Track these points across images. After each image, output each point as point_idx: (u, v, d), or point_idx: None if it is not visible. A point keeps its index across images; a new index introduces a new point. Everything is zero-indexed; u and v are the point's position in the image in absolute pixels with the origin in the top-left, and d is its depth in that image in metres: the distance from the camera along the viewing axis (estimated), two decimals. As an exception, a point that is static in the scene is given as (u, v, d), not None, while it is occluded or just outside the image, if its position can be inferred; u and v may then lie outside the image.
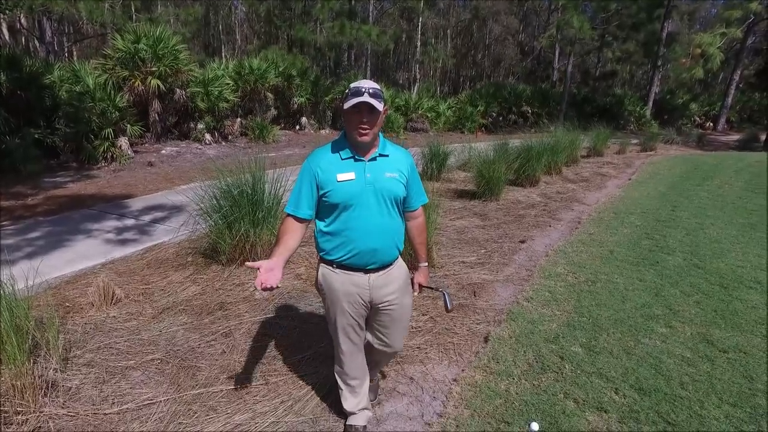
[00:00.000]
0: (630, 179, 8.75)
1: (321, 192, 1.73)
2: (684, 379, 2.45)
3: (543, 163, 7.81)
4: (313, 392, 2.33)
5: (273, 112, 13.73)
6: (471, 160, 7.52)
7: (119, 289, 3.31)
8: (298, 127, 14.72)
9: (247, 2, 27.70)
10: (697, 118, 27.36)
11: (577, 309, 3.24)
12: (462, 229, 5.14)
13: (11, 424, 2.02)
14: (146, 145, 10.01)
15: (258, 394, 2.31)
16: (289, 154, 10.54)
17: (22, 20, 17.05)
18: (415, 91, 23.37)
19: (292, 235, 1.75)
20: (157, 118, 10.06)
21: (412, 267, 2.05)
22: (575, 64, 27.52)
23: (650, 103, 22.92)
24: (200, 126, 11.00)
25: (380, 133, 1.78)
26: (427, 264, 2.08)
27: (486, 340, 2.84)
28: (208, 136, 11.05)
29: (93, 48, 21.28)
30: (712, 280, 3.79)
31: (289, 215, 1.76)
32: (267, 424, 2.10)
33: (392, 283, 1.85)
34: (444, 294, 2.05)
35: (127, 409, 2.19)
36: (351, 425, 2.04)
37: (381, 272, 1.82)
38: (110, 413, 2.16)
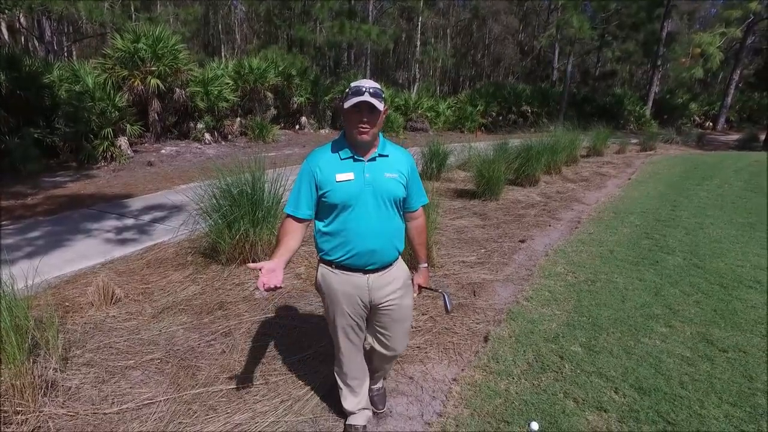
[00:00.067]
0: (630, 179, 8.75)
1: (320, 192, 1.73)
2: (684, 379, 2.45)
3: (543, 162, 7.81)
4: (313, 392, 2.33)
5: (273, 111, 13.73)
6: (471, 160, 7.52)
7: (119, 288, 3.30)
8: (297, 126, 14.72)
9: (247, 2, 27.70)
10: (697, 118, 27.37)
11: (577, 308, 3.24)
12: (462, 229, 5.14)
13: (11, 423, 2.02)
14: (146, 144, 10.01)
15: (258, 394, 2.31)
16: (289, 154, 10.53)
17: (22, 20, 17.02)
18: (414, 90, 23.39)
19: (293, 235, 1.75)
20: (156, 117, 10.05)
21: (412, 268, 2.04)
22: (575, 64, 27.55)
23: (650, 103, 22.93)
24: (200, 125, 11.00)
25: (380, 133, 1.78)
26: (427, 265, 2.07)
27: (486, 339, 2.84)
28: (207, 136, 11.04)
29: (92, 47, 21.28)
30: (712, 280, 3.79)
31: (288, 215, 1.75)
32: (267, 423, 2.10)
33: (392, 284, 1.84)
34: (444, 295, 2.03)
35: (127, 408, 2.19)
36: (351, 425, 2.04)
37: (380, 273, 1.81)
38: (110, 413, 2.16)
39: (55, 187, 6.90)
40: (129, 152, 8.95)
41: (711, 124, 25.63)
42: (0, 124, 7.58)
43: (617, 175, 9.24)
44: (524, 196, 6.86)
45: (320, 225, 1.80)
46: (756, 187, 8.05)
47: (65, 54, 19.29)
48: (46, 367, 2.30)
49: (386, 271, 1.82)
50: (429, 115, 17.91)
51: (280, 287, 1.59)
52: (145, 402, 2.23)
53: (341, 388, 2.04)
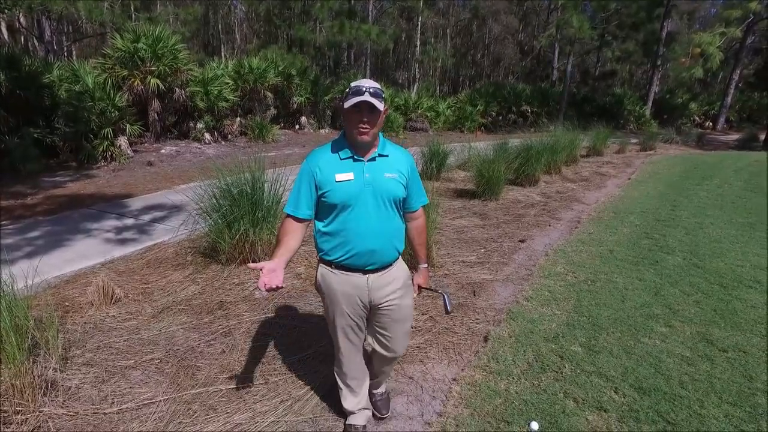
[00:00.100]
0: (629, 179, 8.75)
1: (319, 192, 1.72)
2: (683, 379, 2.45)
3: (542, 162, 7.81)
4: (312, 392, 2.32)
5: (272, 111, 13.72)
6: (470, 160, 7.52)
7: (119, 288, 3.30)
8: (297, 126, 14.71)
9: (247, 2, 27.68)
10: (697, 118, 27.38)
11: (577, 308, 3.24)
12: (461, 229, 5.14)
13: (10, 423, 2.02)
14: (146, 144, 10.01)
15: (258, 394, 2.31)
16: (289, 154, 10.53)
17: (21, 19, 17.02)
18: (414, 90, 23.38)
19: (293, 235, 1.74)
20: (156, 117, 10.05)
21: (412, 268, 2.04)
22: (575, 64, 27.55)
23: (650, 103, 22.93)
24: (200, 125, 10.99)
25: (380, 133, 1.78)
26: (426, 265, 2.07)
27: (486, 339, 2.84)
28: (207, 136, 11.04)
29: (92, 47, 21.27)
30: (712, 280, 3.79)
31: (288, 215, 1.75)
32: (267, 423, 2.10)
33: (391, 284, 1.83)
34: (444, 296, 2.02)
35: (127, 408, 2.19)
36: (351, 425, 2.04)
37: (380, 273, 1.80)
38: (110, 413, 2.16)
39: (54, 186, 6.90)
40: (129, 152, 8.95)
41: (711, 123, 25.64)
42: (0, 123, 7.57)
43: (617, 174, 9.24)
44: (524, 196, 6.86)
45: (320, 225, 1.80)
46: (756, 186, 8.05)
47: (65, 54, 19.28)
48: (45, 367, 2.30)
49: (386, 271, 1.82)
50: (429, 114, 17.91)
51: (282, 287, 1.59)
52: (145, 402, 2.23)
53: (341, 388, 2.04)
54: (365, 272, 1.78)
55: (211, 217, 3.80)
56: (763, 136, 18.05)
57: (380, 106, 1.62)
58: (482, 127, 19.69)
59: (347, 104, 1.61)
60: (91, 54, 17.20)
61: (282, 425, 2.09)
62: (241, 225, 3.64)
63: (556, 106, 22.20)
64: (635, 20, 23.36)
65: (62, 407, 2.17)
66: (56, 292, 3.36)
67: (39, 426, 2.04)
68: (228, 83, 11.60)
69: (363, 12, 21.36)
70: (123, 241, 4.56)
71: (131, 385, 2.36)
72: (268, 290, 1.56)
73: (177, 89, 10.18)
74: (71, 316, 3.01)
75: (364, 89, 1.60)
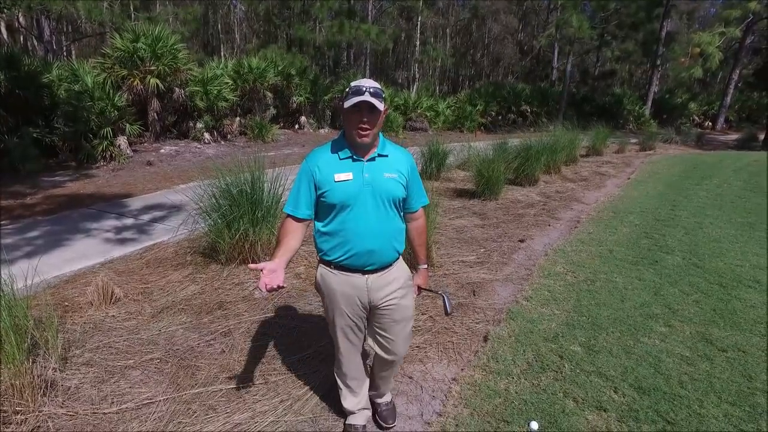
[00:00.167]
0: (629, 178, 8.75)
1: (319, 192, 1.72)
2: (683, 378, 2.45)
3: (542, 162, 7.81)
4: (312, 391, 2.32)
5: (272, 111, 13.72)
6: (470, 160, 7.52)
7: (118, 288, 3.30)
8: (297, 126, 14.71)
9: (246, 1, 27.65)
10: (696, 118, 27.39)
11: (577, 308, 3.24)
12: (461, 228, 5.14)
13: (10, 423, 2.02)
14: (145, 144, 10.00)
15: (257, 394, 2.31)
16: (288, 153, 10.53)
17: (21, 19, 17.00)
18: (414, 90, 23.38)
19: (293, 235, 1.74)
20: (156, 117, 10.04)
21: (411, 268, 2.03)
22: (574, 64, 27.53)
23: (649, 103, 22.93)
24: (199, 125, 10.99)
25: (380, 133, 1.77)
26: (426, 266, 2.06)
27: (485, 339, 2.84)
28: (207, 135, 11.03)
29: (92, 47, 21.25)
30: (711, 279, 3.80)
31: (288, 215, 1.75)
32: (266, 423, 2.10)
33: (391, 284, 1.83)
34: (444, 297, 2.00)
35: (127, 408, 2.19)
36: (350, 424, 2.04)
37: (379, 273, 1.80)
38: (109, 413, 2.15)
39: (54, 186, 6.89)
40: (128, 152, 8.94)
41: (710, 123, 25.65)
42: (-1, 123, 7.58)
43: (616, 174, 9.25)
44: (524, 196, 6.86)
45: (319, 225, 1.79)
46: (755, 186, 8.06)
47: (64, 53, 19.27)
48: (45, 367, 2.30)
49: (385, 271, 1.81)
50: (428, 114, 17.91)
51: (282, 287, 1.59)
52: (145, 402, 2.23)
53: (341, 388, 2.04)
54: (364, 272, 1.78)
55: (211, 216, 3.80)
56: (762, 136, 18.06)
57: (380, 106, 1.61)
58: (482, 127, 19.68)
59: (347, 104, 1.61)
60: (91, 54, 17.19)
61: (282, 425, 2.09)
62: (240, 225, 3.64)
63: (556, 105, 22.20)
64: (635, 20, 23.36)
65: (62, 407, 2.17)
66: (56, 292, 3.35)
67: (38, 426, 2.04)
68: (227, 83, 11.60)
69: (362, 12, 21.35)
70: (122, 241, 4.55)
71: (131, 385, 2.36)
72: (269, 290, 1.56)
73: (176, 89, 10.17)
74: (71, 316, 3.01)
75: (364, 89, 1.60)
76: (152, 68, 9.57)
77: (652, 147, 13.94)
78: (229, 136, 11.73)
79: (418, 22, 27.32)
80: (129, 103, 9.29)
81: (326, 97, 15.33)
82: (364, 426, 2.05)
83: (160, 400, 2.24)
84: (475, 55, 36.93)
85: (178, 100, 10.33)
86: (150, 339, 2.78)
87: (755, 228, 5.38)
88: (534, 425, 2.00)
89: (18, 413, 2.06)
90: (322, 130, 15.12)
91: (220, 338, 2.81)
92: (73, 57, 17.43)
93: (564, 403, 2.25)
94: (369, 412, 2.11)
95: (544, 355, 2.65)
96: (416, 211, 1.93)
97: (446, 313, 2.02)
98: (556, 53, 27.11)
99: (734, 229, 5.29)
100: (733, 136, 20.36)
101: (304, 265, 3.88)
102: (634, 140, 14.71)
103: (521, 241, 4.78)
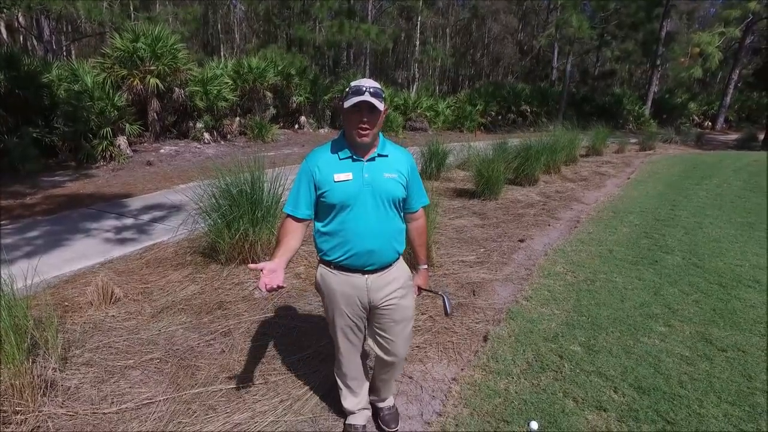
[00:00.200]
0: (629, 178, 8.76)
1: (318, 192, 1.72)
2: (683, 378, 2.45)
3: (542, 162, 7.81)
4: (312, 391, 2.32)
5: (272, 111, 13.72)
6: (470, 159, 7.52)
7: (118, 288, 3.30)
8: (297, 126, 14.71)
9: (246, 1, 27.65)
10: (696, 118, 27.39)
11: (576, 308, 3.24)
12: (461, 228, 5.14)
13: (10, 423, 2.02)
14: (145, 144, 10.00)
15: (257, 394, 2.31)
16: (288, 153, 10.53)
17: (20, 19, 17.00)
18: (414, 90, 23.39)
19: (293, 235, 1.74)
20: (155, 117, 10.04)
21: (411, 268, 2.03)
22: (574, 64, 27.54)
23: (649, 103, 22.94)
24: (199, 125, 10.99)
25: (380, 133, 1.77)
26: (426, 266, 2.06)
27: (485, 339, 2.84)
28: (206, 135, 11.03)
29: (91, 47, 21.24)
30: (711, 279, 3.80)
31: (288, 215, 1.75)
32: (266, 423, 2.10)
33: (391, 284, 1.82)
34: (444, 297, 1.99)
35: (126, 408, 2.19)
36: (350, 424, 2.04)
37: (379, 274, 1.79)
38: (109, 412, 2.15)
39: (54, 186, 6.89)
40: (128, 152, 8.94)
41: (710, 123, 25.65)
42: (-1, 123, 7.58)
43: (616, 174, 9.25)
44: (523, 196, 6.86)
45: (319, 225, 1.79)
46: (755, 186, 8.06)
47: (64, 53, 19.26)
48: (45, 367, 2.30)
49: (385, 271, 1.81)
50: (428, 114, 17.91)
51: (282, 287, 1.59)
52: (145, 402, 2.23)
53: (341, 388, 2.04)
54: (364, 273, 1.78)
55: (211, 216, 3.80)
56: (762, 136, 18.06)
57: (380, 106, 1.61)
58: (482, 127, 19.68)
59: (347, 104, 1.61)
60: (90, 53, 17.18)
61: (282, 425, 2.09)
62: (240, 225, 3.64)
63: (556, 105, 22.21)
64: (634, 20, 23.36)
65: (62, 407, 2.17)
66: (55, 292, 3.35)
67: (38, 426, 2.04)
68: (227, 83, 11.60)
69: (362, 11, 21.36)
70: (122, 241, 4.55)
71: (131, 384, 2.36)
72: (269, 290, 1.56)
73: (176, 89, 10.17)
74: (71, 316, 3.01)
75: (364, 89, 1.59)
76: (152, 68, 9.57)
77: (651, 147, 13.95)
78: (228, 136, 11.73)
79: (418, 22, 27.34)
80: (129, 103, 9.29)
81: (326, 97, 15.32)
82: (364, 426, 2.05)
83: (160, 400, 2.24)
84: (474, 55, 36.93)
85: (177, 100, 10.33)
86: (150, 339, 2.78)
87: (755, 228, 5.38)
88: (534, 425, 2.00)
89: (18, 413, 2.06)
90: (321, 130, 15.12)
91: (220, 338, 2.81)
92: (73, 57, 17.43)
93: (564, 402, 2.25)
94: (369, 412, 2.11)
95: (543, 355, 2.65)
96: (416, 211, 1.92)
97: (446, 314, 2.01)
98: (555, 53, 27.11)
99: (734, 229, 5.29)
100: (733, 136, 20.36)
101: (304, 265, 3.88)
102: (633, 140, 14.71)
103: (521, 241, 4.78)
